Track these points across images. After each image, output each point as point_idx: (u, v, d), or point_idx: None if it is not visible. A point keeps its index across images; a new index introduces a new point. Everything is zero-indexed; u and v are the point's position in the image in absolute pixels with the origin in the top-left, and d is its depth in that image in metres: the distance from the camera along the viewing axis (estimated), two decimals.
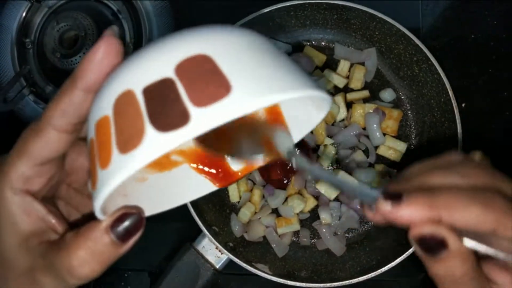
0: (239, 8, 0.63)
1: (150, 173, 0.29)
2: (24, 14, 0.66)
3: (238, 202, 0.60)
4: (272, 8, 0.55)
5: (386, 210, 0.24)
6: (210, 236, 0.53)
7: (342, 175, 0.55)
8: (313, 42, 0.61)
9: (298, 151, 0.29)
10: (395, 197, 0.24)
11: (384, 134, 0.57)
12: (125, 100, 0.21)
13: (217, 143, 0.29)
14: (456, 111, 0.52)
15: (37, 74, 0.66)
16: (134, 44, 0.63)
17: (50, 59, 0.61)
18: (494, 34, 0.60)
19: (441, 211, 0.24)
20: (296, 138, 0.29)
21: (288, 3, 0.55)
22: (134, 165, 0.20)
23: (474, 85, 0.60)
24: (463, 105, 0.59)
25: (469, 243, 0.25)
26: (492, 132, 0.59)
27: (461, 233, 0.25)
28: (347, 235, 0.58)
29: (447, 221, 0.24)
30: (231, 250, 0.54)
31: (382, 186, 0.27)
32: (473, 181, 0.26)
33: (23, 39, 0.66)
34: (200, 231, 0.54)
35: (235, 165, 0.31)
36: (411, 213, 0.24)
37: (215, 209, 0.59)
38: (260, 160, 0.31)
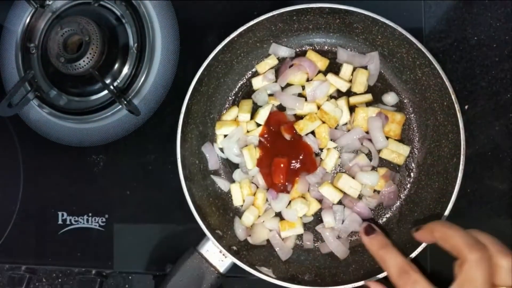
0: (242, 11, 0.63)
1: None
2: (28, 19, 0.67)
3: (242, 205, 0.60)
4: (275, 13, 0.55)
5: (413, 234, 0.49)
6: (213, 239, 0.53)
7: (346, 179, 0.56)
8: (316, 46, 0.61)
9: None
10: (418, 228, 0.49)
11: (387, 138, 0.57)
12: None
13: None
14: (459, 114, 0.52)
15: (41, 79, 0.66)
16: (137, 48, 0.63)
17: (54, 64, 0.61)
18: (497, 36, 0.60)
19: (436, 235, 0.45)
20: None
21: (291, 8, 0.55)
22: None
23: (477, 87, 0.60)
24: (466, 107, 0.59)
25: None
26: (495, 134, 0.59)
27: None
28: (350, 238, 0.58)
29: (439, 241, 0.45)
30: (234, 253, 0.54)
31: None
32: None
33: (27, 44, 0.67)
34: (204, 234, 0.54)
35: None
36: (421, 236, 0.48)
37: (219, 212, 0.59)
38: None
